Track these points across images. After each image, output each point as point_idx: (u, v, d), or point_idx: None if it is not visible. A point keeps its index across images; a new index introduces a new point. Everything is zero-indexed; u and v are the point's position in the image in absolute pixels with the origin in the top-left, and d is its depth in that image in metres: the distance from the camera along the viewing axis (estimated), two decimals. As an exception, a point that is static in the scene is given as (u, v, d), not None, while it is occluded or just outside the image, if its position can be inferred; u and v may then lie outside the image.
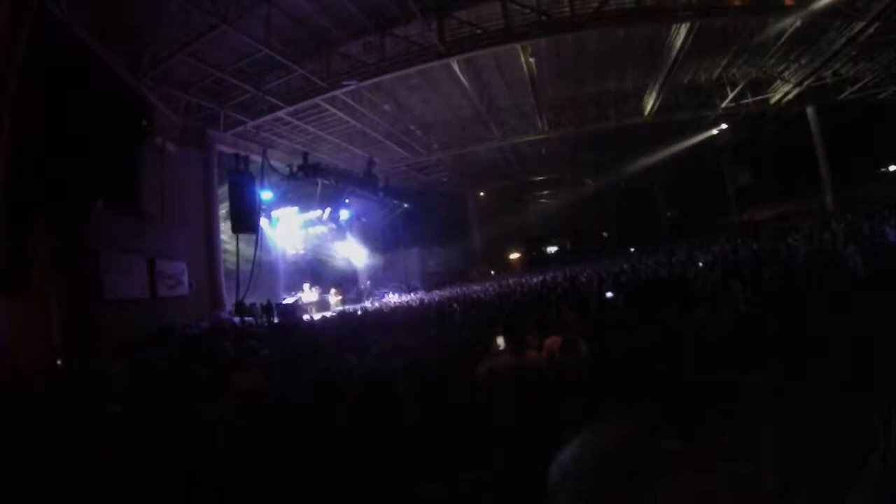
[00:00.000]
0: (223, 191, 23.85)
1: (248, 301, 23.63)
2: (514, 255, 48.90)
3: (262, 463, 4.55)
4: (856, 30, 20.99)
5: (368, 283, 38.01)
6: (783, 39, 22.35)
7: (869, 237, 14.55)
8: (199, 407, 5.92)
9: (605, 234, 49.13)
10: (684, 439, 4.55)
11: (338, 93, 22.09)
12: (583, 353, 6.10)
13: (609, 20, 18.97)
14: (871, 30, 20.57)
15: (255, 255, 23.55)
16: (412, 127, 30.55)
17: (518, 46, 20.58)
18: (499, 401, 5.27)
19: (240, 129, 24.16)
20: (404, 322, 14.39)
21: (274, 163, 25.77)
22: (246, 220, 22.91)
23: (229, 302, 23.43)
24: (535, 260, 47.66)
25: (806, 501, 3.58)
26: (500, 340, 6.38)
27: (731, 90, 28.35)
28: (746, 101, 29.10)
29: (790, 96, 28.52)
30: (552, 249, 50.84)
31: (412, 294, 32.29)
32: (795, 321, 6.01)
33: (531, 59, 21.99)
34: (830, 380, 4.83)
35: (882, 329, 5.24)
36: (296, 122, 25.91)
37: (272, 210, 29.95)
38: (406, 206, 36.92)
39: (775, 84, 28.26)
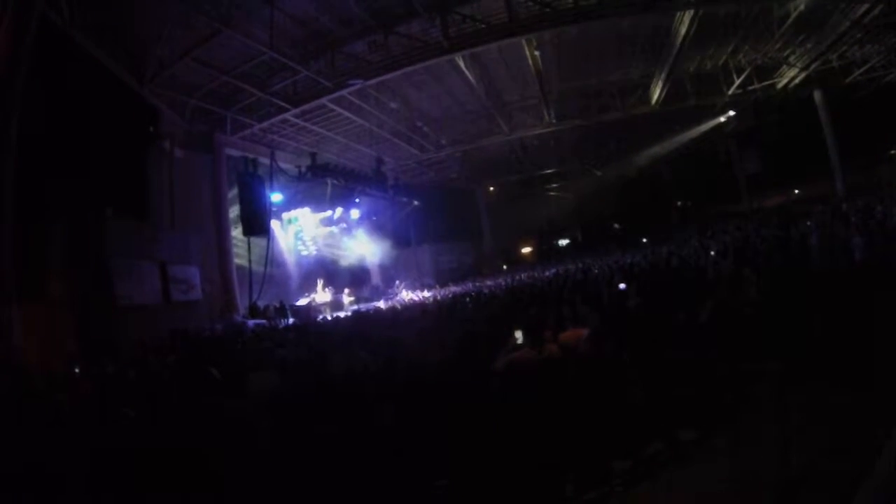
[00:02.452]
0: (233, 194, 23.91)
1: (261, 303, 23.75)
2: (526, 249, 48.64)
3: (277, 462, 4.59)
4: (860, 12, 20.87)
5: (381, 281, 38.05)
6: (788, 24, 22.19)
7: (881, 222, 14.41)
8: (214, 409, 5.97)
9: (615, 225, 48.92)
10: (698, 431, 4.57)
11: (344, 92, 22.10)
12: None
13: (613, 10, 18.87)
14: (876, 11, 20.44)
15: (266, 258, 23.64)
16: (420, 124, 30.58)
17: (523, 39, 20.56)
18: (516, 395, 5.29)
19: (247, 132, 24.21)
20: (418, 320, 14.43)
21: (283, 164, 25.86)
22: (256, 223, 23.00)
23: (242, 304, 23.52)
24: (546, 253, 47.22)
25: (814, 500, 3.58)
26: (518, 335, 6.39)
27: (738, 76, 28.22)
28: (753, 87, 28.93)
29: (797, 81, 28.38)
30: (563, 242, 50.63)
31: (425, 291, 32.24)
32: (803, 314, 5.99)
33: (536, 52, 21.95)
34: (834, 376, 4.84)
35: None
36: (303, 124, 25.91)
37: (283, 212, 30.05)
38: (416, 203, 36.99)
39: (781, 69, 28.13)
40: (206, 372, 7.90)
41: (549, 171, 43.83)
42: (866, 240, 11.83)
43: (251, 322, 21.54)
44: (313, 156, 25.40)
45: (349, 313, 23.91)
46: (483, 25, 19.42)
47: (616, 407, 4.95)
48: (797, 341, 5.20)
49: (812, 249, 12.96)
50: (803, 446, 3.87)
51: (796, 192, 36.65)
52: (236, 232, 24.31)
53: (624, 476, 4.47)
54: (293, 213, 31.63)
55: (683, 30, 21.05)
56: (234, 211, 24.30)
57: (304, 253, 34.06)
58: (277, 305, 24.94)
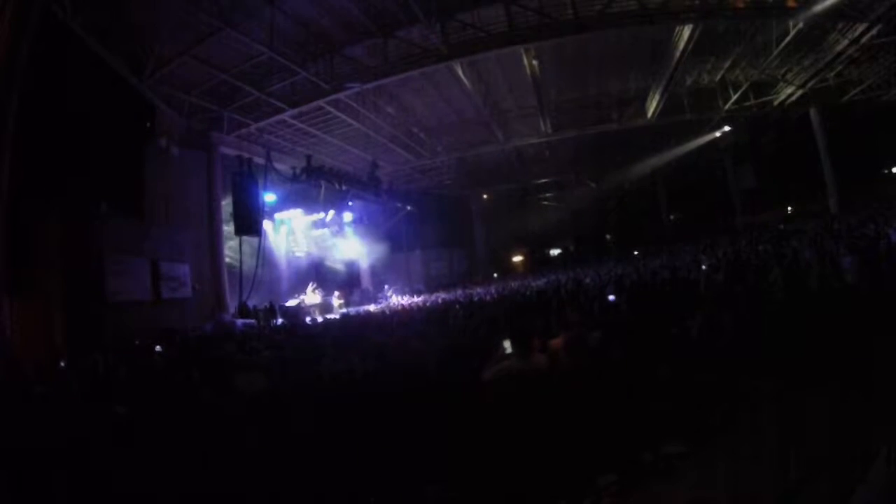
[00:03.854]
0: (227, 193, 23.80)
1: (251, 303, 23.66)
2: (518, 258, 48.65)
3: (264, 463, 4.56)
4: (858, 31, 20.98)
5: (371, 285, 37.97)
6: (786, 41, 22.27)
7: (874, 240, 14.44)
8: (201, 408, 5.94)
9: (608, 236, 49.03)
10: (687, 443, 4.54)
11: (341, 95, 22.10)
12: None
13: (612, 22, 18.92)
14: (874, 31, 20.57)
15: (257, 258, 23.55)
16: (416, 129, 30.62)
17: (521, 49, 20.60)
18: (504, 406, 5.26)
19: (243, 131, 24.13)
20: (407, 324, 14.38)
21: (277, 165, 25.77)
22: (249, 223, 22.91)
23: (232, 304, 23.41)
24: (538, 263, 47.35)
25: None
26: (506, 344, 6.32)
27: (734, 92, 28.31)
28: (749, 103, 29.05)
29: (793, 98, 28.48)
30: (555, 252, 50.74)
31: (416, 296, 32.16)
32: (798, 325, 5.99)
33: (534, 62, 21.98)
34: (832, 383, 4.82)
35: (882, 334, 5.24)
36: (299, 125, 25.90)
37: (275, 212, 29.98)
38: (409, 208, 36.98)
39: (778, 86, 28.20)
40: (196, 372, 7.88)
41: (543, 180, 43.91)
42: (857, 258, 11.83)
43: (240, 322, 21.47)
44: (308, 157, 25.26)
45: (338, 316, 23.84)
46: (483, 33, 19.40)
47: (598, 418, 4.92)
48: (793, 354, 5.19)
49: (804, 266, 12.98)
50: (799, 457, 3.86)
51: (790, 209, 36.79)
52: (228, 231, 24.21)
53: (610, 489, 4.44)
54: (286, 213, 31.57)
55: (682, 44, 21.13)
56: (226, 210, 24.19)
57: (296, 254, 34.01)
58: (267, 306, 24.85)
